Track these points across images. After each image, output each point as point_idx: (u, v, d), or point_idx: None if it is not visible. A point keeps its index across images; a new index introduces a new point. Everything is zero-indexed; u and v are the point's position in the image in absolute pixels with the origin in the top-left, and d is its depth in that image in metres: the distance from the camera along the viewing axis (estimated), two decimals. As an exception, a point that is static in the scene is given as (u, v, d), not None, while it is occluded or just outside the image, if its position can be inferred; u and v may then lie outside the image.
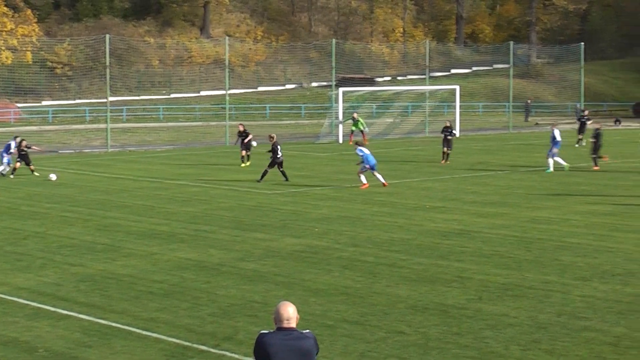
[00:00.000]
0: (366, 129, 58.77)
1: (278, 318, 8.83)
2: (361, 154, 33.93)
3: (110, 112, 58.80)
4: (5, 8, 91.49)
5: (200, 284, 18.37)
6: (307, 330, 8.93)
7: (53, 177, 36.92)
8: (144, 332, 14.99)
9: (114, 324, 15.46)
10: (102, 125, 63.72)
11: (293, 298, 15.64)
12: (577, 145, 54.16)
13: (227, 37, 68.40)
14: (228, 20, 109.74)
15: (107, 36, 56.82)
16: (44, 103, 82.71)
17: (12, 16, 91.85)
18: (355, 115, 59.16)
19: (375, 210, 28.44)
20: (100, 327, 15.31)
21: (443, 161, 44.23)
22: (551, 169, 40.03)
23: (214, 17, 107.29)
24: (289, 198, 31.67)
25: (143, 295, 17.45)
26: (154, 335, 14.84)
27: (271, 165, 35.93)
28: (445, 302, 16.86)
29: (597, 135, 42.21)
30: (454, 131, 45.93)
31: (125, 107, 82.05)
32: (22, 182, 36.64)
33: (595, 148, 41.93)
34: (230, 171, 40.81)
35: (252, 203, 30.26)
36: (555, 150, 40.28)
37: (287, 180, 35.88)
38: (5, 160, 38.93)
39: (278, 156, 35.83)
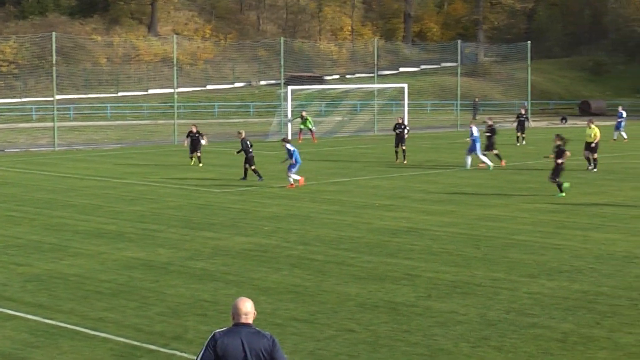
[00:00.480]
0: (314, 127, 58.85)
1: (236, 313, 8.90)
2: (292, 148, 33.85)
3: (57, 110, 58.19)
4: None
5: (149, 283, 18.26)
6: (268, 333, 8.95)
7: None
8: (92, 332, 14.86)
9: (61, 324, 15.32)
10: (49, 124, 63.14)
11: (243, 296, 15.55)
12: (517, 144, 54.66)
13: (175, 35, 68.01)
14: (176, 18, 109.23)
15: (54, 34, 56.29)
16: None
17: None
18: (303, 113, 59.25)
19: (324, 209, 28.46)
20: (48, 328, 15.16)
21: (398, 160, 43.56)
22: (490, 164, 40.29)
23: (162, 15, 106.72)
24: (238, 196, 31.60)
25: (91, 295, 17.30)
26: (102, 335, 14.72)
27: (249, 162, 35.96)
28: (394, 299, 16.91)
29: (491, 130, 42.49)
30: (407, 127, 45.48)
31: (73, 105, 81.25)
32: (-33, 182, 36.21)
33: (490, 144, 42.20)
34: (178, 169, 40.62)
35: (201, 202, 30.15)
36: (476, 145, 40.54)
37: (244, 179, 35.93)
38: None
39: (249, 151, 35.94)
